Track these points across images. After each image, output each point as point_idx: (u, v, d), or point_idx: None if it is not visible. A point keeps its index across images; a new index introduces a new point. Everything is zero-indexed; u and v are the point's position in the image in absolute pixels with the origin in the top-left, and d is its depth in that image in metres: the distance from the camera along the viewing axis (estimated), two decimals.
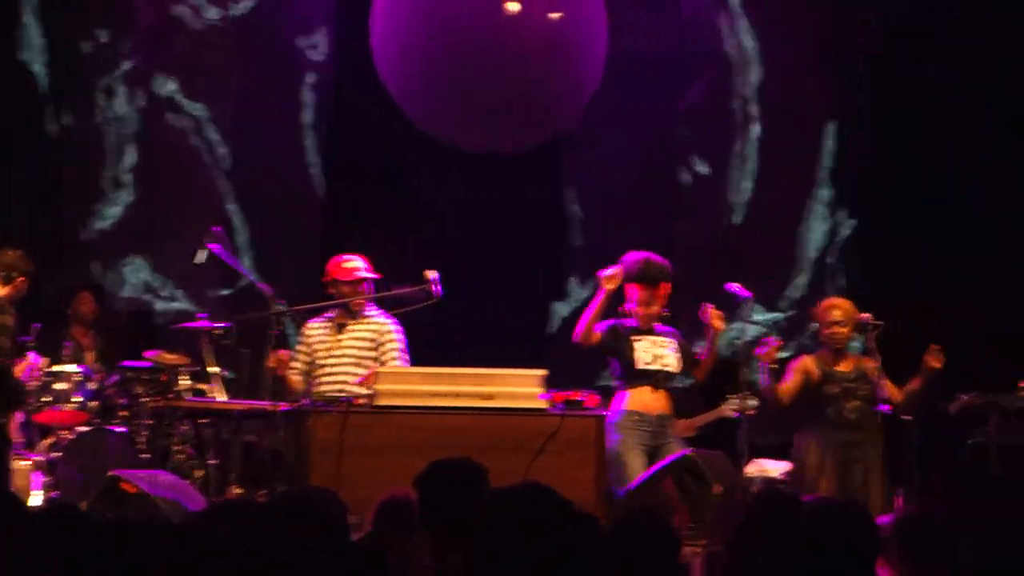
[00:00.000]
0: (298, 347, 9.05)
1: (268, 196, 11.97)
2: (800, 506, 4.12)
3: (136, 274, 11.83)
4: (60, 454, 9.47)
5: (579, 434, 7.86)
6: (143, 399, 9.49)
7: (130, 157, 11.93)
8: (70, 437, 9.52)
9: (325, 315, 9.03)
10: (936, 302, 11.07)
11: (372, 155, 12.16)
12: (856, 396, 8.96)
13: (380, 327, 8.90)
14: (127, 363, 9.75)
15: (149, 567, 3.43)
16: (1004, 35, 11.71)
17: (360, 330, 8.91)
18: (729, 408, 9.43)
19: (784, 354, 9.23)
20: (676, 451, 8.40)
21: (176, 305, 11.72)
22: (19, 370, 9.18)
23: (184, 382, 9.25)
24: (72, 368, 9.74)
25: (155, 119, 11.97)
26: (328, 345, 8.91)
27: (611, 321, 8.73)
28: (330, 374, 8.83)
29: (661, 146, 12.44)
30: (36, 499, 9.13)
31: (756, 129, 12.47)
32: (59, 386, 9.63)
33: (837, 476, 8.84)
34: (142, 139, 11.95)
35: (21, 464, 9.25)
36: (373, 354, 8.83)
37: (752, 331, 10.27)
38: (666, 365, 8.63)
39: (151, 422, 9.43)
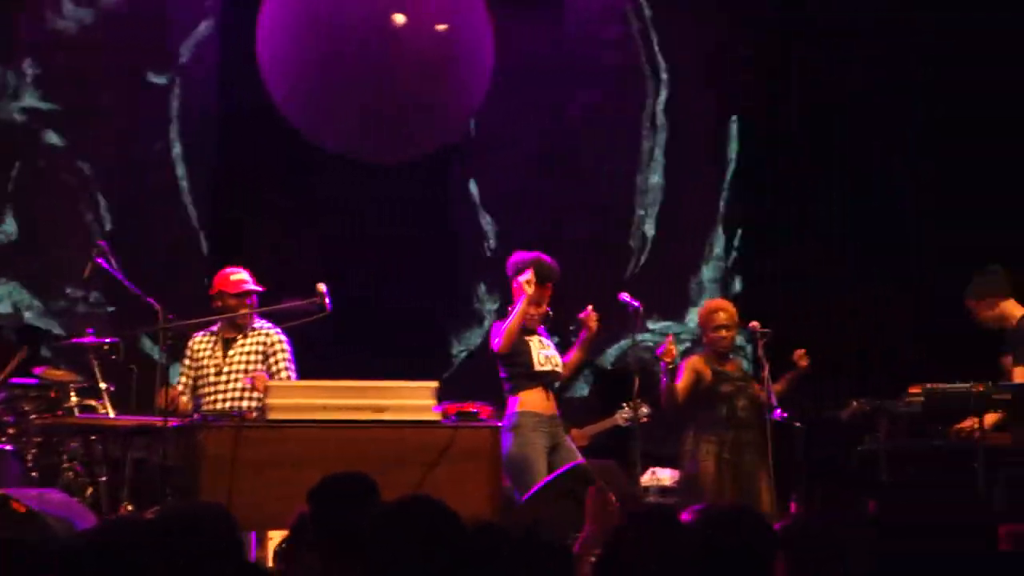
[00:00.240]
0: (183, 363, 8.96)
1: (146, 207, 11.83)
2: (675, 521, 4.12)
3: (9, 292, 11.65)
4: None
5: (473, 446, 7.85)
6: (31, 416, 9.33)
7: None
8: None
9: (209, 330, 8.95)
10: (862, 302, 11.18)
11: (259, 165, 12.07)
12: (746, 395, 9.11)
13: (268, 338, 8.84)
14: (14, 380, 9.60)
15: None
16: (931, 35, 11.82)
17: (248, 343, 8.85)
18: (622, 417, 9.46)
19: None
20: (571, 449, 8.47)
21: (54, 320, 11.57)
22: None
23: (73, 398, 9.12)
24: None
25: (30, 134, 11.78)
26: (216, 361, 8.83)
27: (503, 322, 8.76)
28: (221, 390, 8.75)
29: (551, 153, 12.48)
30: None
31: (652, 136, 12.54)
32: None
33: (731, 475, 8.94)
34: (17, 155, 11.77)
35: None
36: (262, 366, 8.77)
37: (644, 340, 10.33)
38: (556, 365, 8.70)
39: (40, 440, 9.27)
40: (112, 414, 8.91)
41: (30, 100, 11.79)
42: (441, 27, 12.02)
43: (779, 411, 9.01)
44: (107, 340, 9.14)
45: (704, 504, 6.95)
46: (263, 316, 8.91)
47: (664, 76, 12.58)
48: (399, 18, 11.91)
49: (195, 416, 8.18)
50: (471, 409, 8.08)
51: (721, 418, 9.10)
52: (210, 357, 8.86)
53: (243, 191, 12.04)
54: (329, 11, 11.90)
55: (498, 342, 8.64)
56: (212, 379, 8.81)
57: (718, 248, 12.49)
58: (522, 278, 8.65)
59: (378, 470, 5.44)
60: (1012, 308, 9.09)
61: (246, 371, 8.75)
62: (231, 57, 11.97)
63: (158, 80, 11.95)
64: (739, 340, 10.05)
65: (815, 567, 4.37)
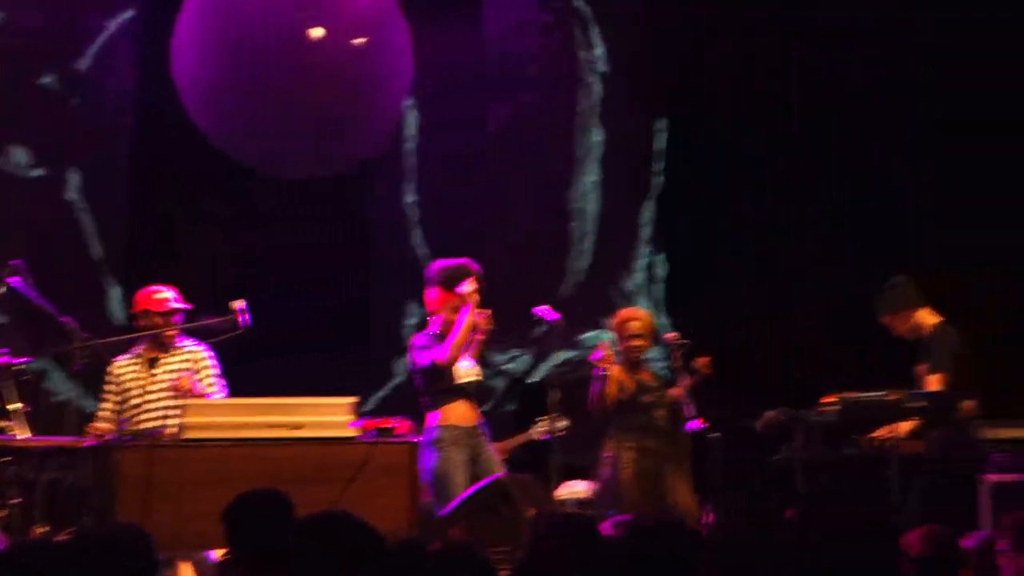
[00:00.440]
0: (105, 387, 8.86)
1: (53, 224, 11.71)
2: (596, 531, 4.14)
3: None
4: None
5: (391, 461, 7.83)
6: None
7: None
8: None
9: (132, 351, 8.86)
10: (862, 302, 11.21)
11: (177, 181, 11.98)
12: (663, 404, 9.15)
13: (194, 355, 8.78)
14: None
15: None
16: (931, 35, 11.89)
17: (174, 362, 8.77)
18: (538, 431, 9.47)
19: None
20: (492, 459, 8.47)
21: None
22: None
23: None
24: None
25: None
26: (141, 382, 8.75)
27: (422, 338, 8.75)
28: (148, 411, 8.66)
29: (473, 163, 12.48)
30: None
31: (577, 144, 12.57)
32: None
33: (651, 484, 8.97)
34: None
35: None
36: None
37: (564, 354, 10.34)
38: (477, 375, 8.71)
39: None
40: (25, 435, 8.79)
41: None
42: (359, 40, 11.99)
43: (696, 421, 9.05)
44: (21, 360, 9.02)
45: (626, 514, 6.99)
46: (180, 334, 8.83)
47: (589, 83, 12.60)
48: (316, 32, 11.87)
49: (109, 436, 8.09)
50: (388, 425, 8.05)
51: (640, 427, 9.14)
52: (134, 379, 8.77)
53: (159, 205, 11.95)
54: (246, 25, 11.84)
55: (444, 355, 8.58)
56: (137, 400, 8.72)
57: (644, 257, 12.53)
58: (463, 288, 8.62)
59: (296, 487, 5.45)
60: (925, 317, 9.18)
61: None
62: (146, 69, 11.87)
63: (68, 88, 11.81)
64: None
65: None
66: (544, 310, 9.00)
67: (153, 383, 8.74)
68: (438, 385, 8.68)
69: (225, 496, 5.30)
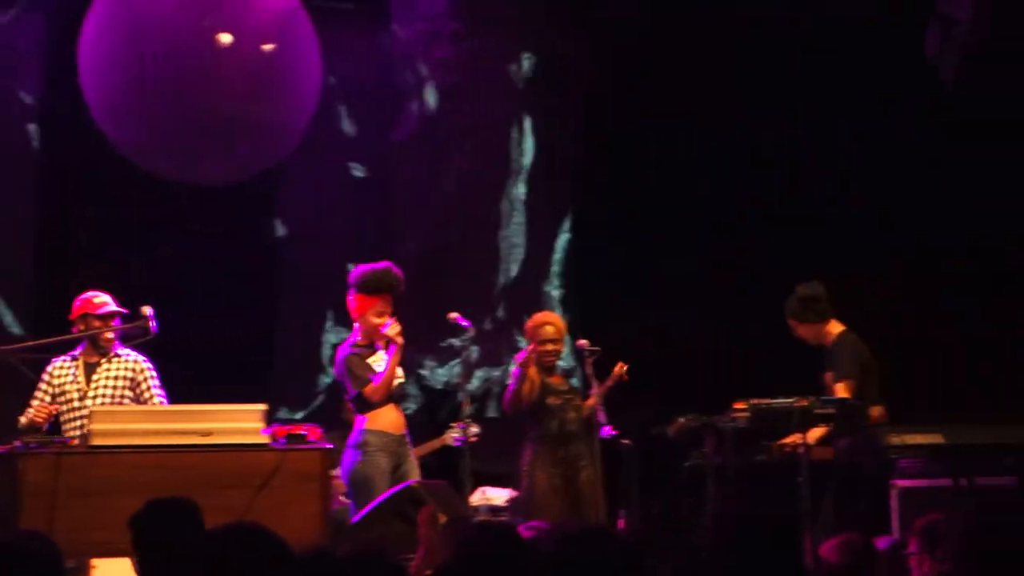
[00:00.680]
0: (40, 386, 8.72)
1: None
2: (518, 537, 4.13)
3: None
4: None
5: (303, 468, 7.78)
6: None
7: None
8: None
9: (70, 354, 8.76)
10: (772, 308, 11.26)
11: (85, 187, 11.87)
12: (573, 408, 9.16)
13: (135, 365, 8.71)
14: None
15: None
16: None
17: (114, 368, 8.69)
18: (451, 436, 9.46)
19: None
20: (414, 468, 8.48)
21: None
22: None
23: None
24: None
25: None
26: (79, 385, 8.65)
27: (346, 348, 8.73)
28: (86, 415, 8.54)
29: (378, 173, 12.45)
30: None
31: (467, 157, 12.57)
32: None
33: (567, 491, 8.98)
34: None
35: None
36: (131, 393, 8.64)
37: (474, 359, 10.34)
38: (401, 379, 8.71)
39: None
40: None
41: None
42: (267, 47, 11.93)
43: (608, 428, 9.07)
44: None
45: (542, 521, 7.00)
46: (86, 340, 8.73)
47: (481, 95, 12.60)
48: (225, 38, 11.79)
49: (16, 443, 7.97)
50: (300, 431, 8.00)
51: (553, 434, 9.16)
52: (72, 382, 8.68)
53: (67, 212, 11.84)
54: (153, 30, 11.73)
55: (374, 392, 8.60)
56: (76, 404, 8.62)
57: (554, 266, 12.55)
58: (386, 330, 8.59)
59: (206, 495, 5.41)
60: (831, 325, 9.26)
61: (112, 396, 8.60)
62: (52, 75, 11.74)
63: None
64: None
65: None
66: (457, 317, 9.00)
67: (92, 388, 8.65)
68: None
69: (133, 504, 5.25)
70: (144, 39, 11.74)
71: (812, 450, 8.68)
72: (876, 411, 9.06)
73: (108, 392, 8.62)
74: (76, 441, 7.88)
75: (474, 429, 9.26)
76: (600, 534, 4.12)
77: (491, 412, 11.96)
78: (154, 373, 8.75)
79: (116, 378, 8.66)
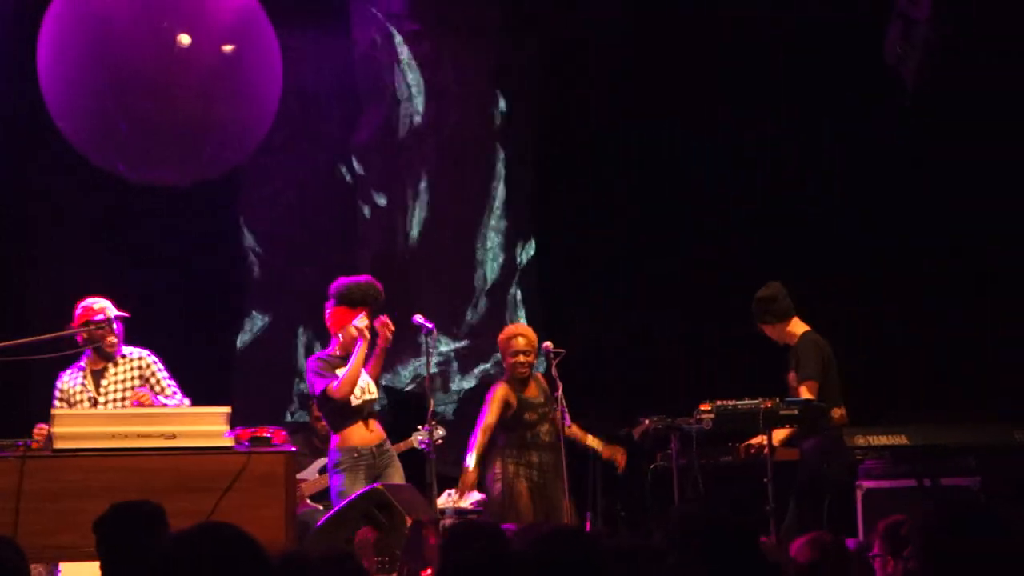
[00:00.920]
0: (54, 403, 8.66)
1: None
2: (500, 535, 4.13)
3: None
4: None
5: (267, 471, 7.74)
6: None
7: None
8: None
9: (76, 366, 8.71)
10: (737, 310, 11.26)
11: (45, 190, 11.81)
12: (547, 419, 9.16)
13: (142, 362, 8.68)
14: None
15: None
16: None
17: (121, 371, 8.65)
18: (417, 439, 9.45)
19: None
20: (395, 477, 8.47)
21: None
22: None
23: None
24: None
25: None
26: (90, 394, 8.61)
27: (317, 360, 8.73)
28: None
29: (336, 178, 12.43)
30: None
31: (437, 159, 12.56)
32: None
33: (540, 498, 8.98)
34: None
35: None
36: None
37: (435, 362, 10.32)
38: (371, 393, 8.70)
39: None
40: None
41: None
42: (227, 48, 11.88)
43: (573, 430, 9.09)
44: None
45: (521, 524, 6.99)
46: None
47: (441, 99, 12.60)
48: (184, 39, 11.73)
49: None
50: (264, 434, 7.97)
51: (526, 443, 9.16)
52: (82, 391, 8.63)
53: (23, 217, 11.78)
54: (111, 31, 11.67)
55: (335, 389, 8.58)
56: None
57: (494, 270, 12.54)
58: (356, 323, 8.59)
59: (171, 498, 5.38)
60: (794, 326, 9.29)
61: (124, 399, 8.55)
62: (9, 82, 11.68)
63: None
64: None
65: None
66: (420, 318, 9.00)
67: (102, 394, 8.62)
68: (332, 409, 8.72)
69: (98, 507, 5.23)
70: (102, 40, 11.68)
71: (777, 451, 8.72)
72: (837, 412, 9.09)
73: (119, 395, 8.60)
74: (38, 444, 7.84)
75: (439, 432, 9.27)
76: (573, 534, 4.13)
77: (454, 415, 11.97)
78: (161, 366, 8.73)
79: (125, 380, 8.63)
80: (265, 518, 7.36)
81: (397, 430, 9.25)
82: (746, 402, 8.60)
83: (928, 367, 9.83)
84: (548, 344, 9.32)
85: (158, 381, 8.65)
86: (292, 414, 11.95)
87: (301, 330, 12.17)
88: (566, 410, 9.14)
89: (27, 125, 11.63)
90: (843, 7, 11.56)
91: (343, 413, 8.71)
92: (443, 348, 12.18)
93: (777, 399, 8.66)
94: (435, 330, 9.04)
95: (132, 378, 8.64)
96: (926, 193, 11.47)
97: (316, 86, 12.31)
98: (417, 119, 12.60)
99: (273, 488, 7.71)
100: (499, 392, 9.29)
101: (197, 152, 11.86)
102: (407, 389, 11.79)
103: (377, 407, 8.96)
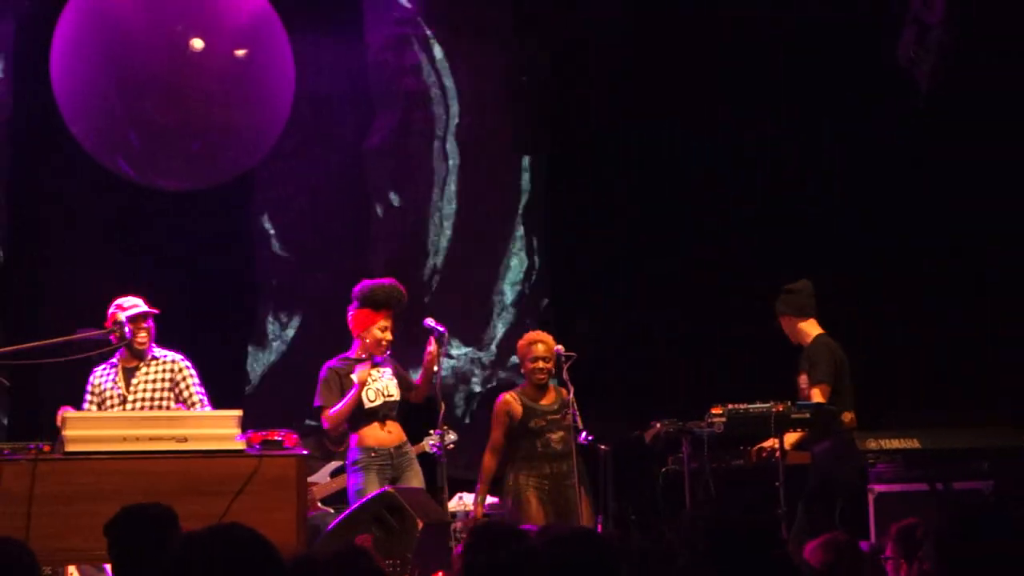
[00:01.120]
0: (87, 397, 8.72)
1: None
2: (522, 535, 4.12)
3: None
4: None
5: (279, 474, 7.74)
6: None
7: None
8: None
9: (109, 362, 8.73)
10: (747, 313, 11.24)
11: (55, 192, 11.82)
12: (560, 427, 9.08)
13: (175, 365, 8.70)
14: None
15: None
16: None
17: (152, 372, 8.67)
18: (429, 443, 9.43)
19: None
20: (412, 480, 8.47)
21: None
22: None
23: None
24: None
25: None
26: (120, 391, 8.62)
27: (329, 365, 8.73)
28: None
29: (350, 181, 12.43)
30: None
31: (451, 162, 12.55)
32: None
33: (553, 509, 8.93)
34: None
35: None
36: (171, 395, 8.62)
37: (448, 365, 10.30)
38: (389, 396, 8.69)
39: None
40: None
41: None
42: (240, 52, 11.90)
43: (584, 434, 9.05)
44: None
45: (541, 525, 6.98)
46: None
47: (457, 102, 12.60)
48: (197, 43, 11.75)
49: None
50: (275, 437, 7.96)
51: (536, 453, 9.06)
52: (113, 387, 8.65)
53: (36, 220, 11.80)
54: (125, 35, 11.69)
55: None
56: (118, 411, 8.57)
57: (517, 273, 12.53)
58: (357, 375, 8.62)
59: (182, 501, 5.38)
60: (809, 327, 9.28)
61: (152, 399, 8.58)
62: (21, 76, 11.70)
63: None
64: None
65: None
66: (431, 322, 8.98)
67: (132, 392, 8.63)
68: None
69: (109, 510, 5.22)
70: (116, 44, 11.70)
71: (788, 454, 8.71)
72: (848, 416, 9.08)
73: (147, 396, 8.62)
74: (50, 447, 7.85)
75: (451, 436, 9.25)
76: (587, 535, 4.12)
77: (467, 419, 11.97)
78: (193, 372, 8.74)
79: (155, 381, 8.65)
80: (276, 521, 7.34)
81: (409, 434, 9.23)
82: (757, 405, 8.58)
83: (928, 367, 9.82)
84: (559, 347, 9.27)
85: (188, 387, 8.66)
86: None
87: (312, 333, 12.18)
88: (578, 414, 9.10)
89: (40, 128, 11.66)
90: (843, 7, 11.58)
91: (357, 415, 8.74)
92: (457, 352, 12.18)
93: (789, 403, 8.65)
94: (447, 333, 9.01)
95: (162, 379, 8.66)
96: (926, 193, 11.47)
97: (329, 90, 12.32)
98: (430, 122, 12.59)
99: (285, 491, 7.71)
100: (499, 408, 9.23)
101: (209, 156, 11.88)
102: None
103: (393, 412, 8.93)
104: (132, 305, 8.69)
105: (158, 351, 8.77)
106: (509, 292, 12.56)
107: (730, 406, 8.60)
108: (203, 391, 8.73)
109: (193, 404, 8.61)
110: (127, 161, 11.82)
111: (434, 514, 8.10)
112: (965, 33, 10.37)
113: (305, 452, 8.12)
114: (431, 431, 9.35)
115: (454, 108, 12.59)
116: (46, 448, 7.73)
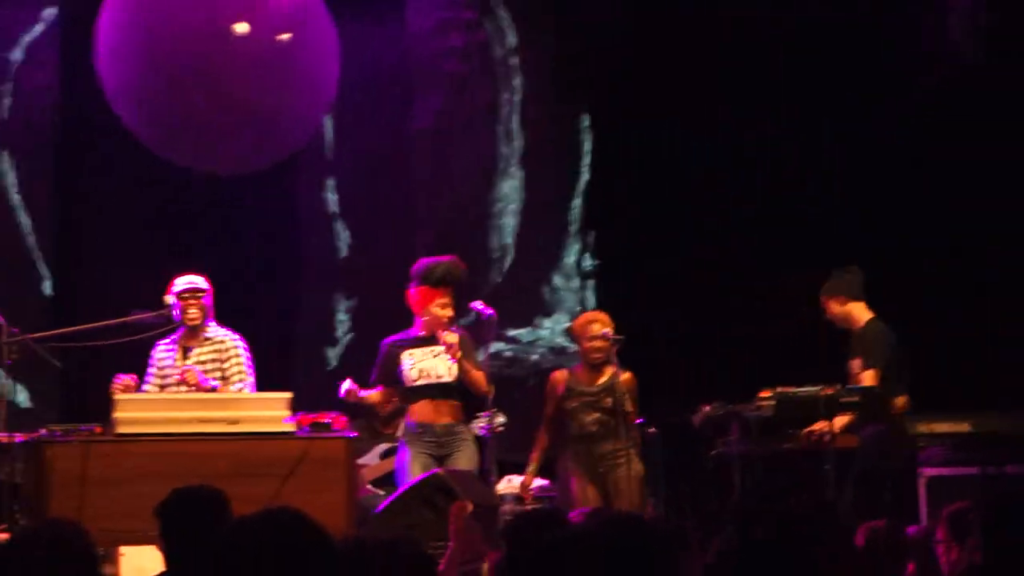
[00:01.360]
0: (149, 371, 8.81)
1: None
2: (563, 520, 4.13)
3: None
4: None
5: (328, 456, 7.79)
6: None
7: None
8: None
9: (172, 339, 8.80)
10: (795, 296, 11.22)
11: (104, 178, 11.88)
12: (597, 408, 8.99)
13: (221, 345, 8.75)
14: None
15: None
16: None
17: (205, 352, 8.74)
18: (478, 426, 9.44)
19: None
20: (464, 461, 8.48)
21: None
22: None
23: None
24: None
25: None
26: (178, 369, 8.69)
27: (386, 341, 8.76)
28: None
29: (393, 165, 12.43)
30: None
31: (502, 142, 12.54)
32: None
33: (594, 491, 8.90)
34: None
35: None
36: (219, 374, 8.66)
37: (497, 348, 10.29)
38: (436, 377, 8.68)
39: None
40: None
41: None
42: (284, 36, 11.91)
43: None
44: None
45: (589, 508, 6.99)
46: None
47: (516, 81, 12.58)
48: (241, 27, 11.77)
49: (42, 431, 7.99)
50: (324, 419, 8.01)
51: (574, 435, 9.02)
52: (171, 366, 8.74)
53: (86, 203, 11.86)
54: (169, 20, 11.71)
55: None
56: (174, 388, 8.67)
57: (571, 255, 12.52)
58: (446, 337, 8.64)
59: (232, 483, 5.40)
60: (860, 311, 9.24)
61: None
62: (68, 64, 11.76)
63: None
64: None
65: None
66: (480, 305, 8.98)
67: None
68: (398, 388, 8.84)
69: (160, 492, 5.24)
70: (160, 28, 11.73)
71: (838, 438, 8.68)
72: (901, 400, 9.04)
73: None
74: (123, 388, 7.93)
75: (500, 419, 9.21)
76: (634, 520, 4.11)
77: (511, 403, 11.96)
78: (241, 351, 8.75)
79: (206, 362, 8.71)
80: (326, 503, 7.38)
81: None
82: (807, 389, 8.57)
83: (927, 368, 9.75)
84: (608, 331, 9.22)
85: (231, 365, 8.69)
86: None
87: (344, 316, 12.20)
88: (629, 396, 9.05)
89: (87, 114, 11.72)
90: (843, 7, 11.52)
91: (403, 392, 8.83)
92: (514, 332, 12.18)
93: (838, 386, 8.62)
94: (495, 315, 9.00)
95: (212, 359, 8.71)
96: (926, 193, 11.41)
97: (373, 73, 12.32)
98: (476, 102, 12.58)
99: (334, 473, 7.76)
100: (548, 384, 9.22)
101: (253, 141, 11.90)
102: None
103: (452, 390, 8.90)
104: (185, 282, 8.73)
105: (214, 330, 8.80)
106: (564, 274, 12.53)
107: (779, 389, 8.59)
108: (250, 370, 8.75)
109: (228, 380, 8.63)
110: (170, 145, 11.85)
111: (483, 496, 8.11)
112: (1009, 11, 10.31)
113: (354, 434, 8.16)
114: (479, 414, 9.37)
115: (495, 91, 12.55)
116: (97, 430, 7.79)
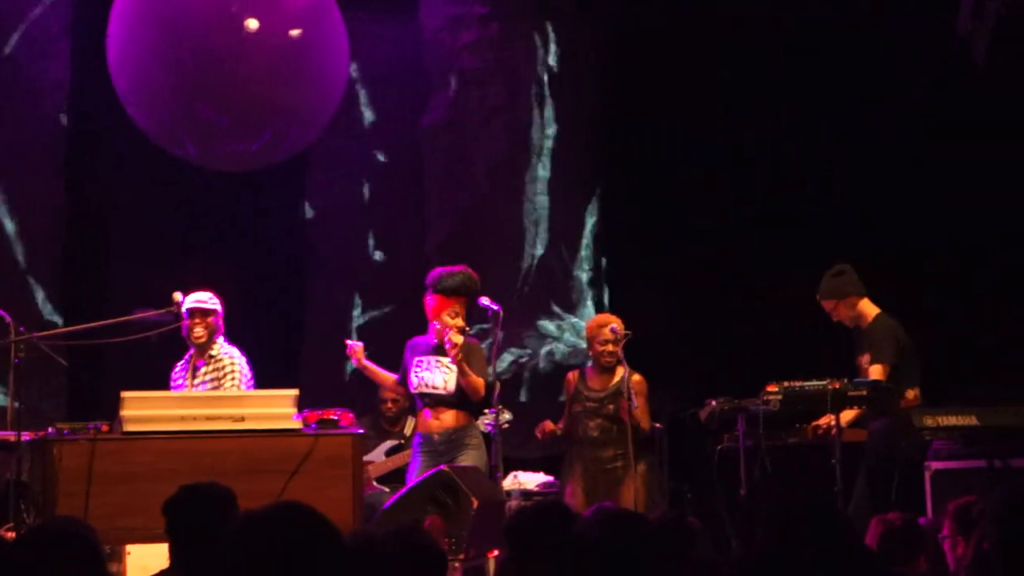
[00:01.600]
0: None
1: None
2: (569, 515, 4.12)
3: None
4: None
5: (335, 453, 7.79)
6: None
7: None
8: None
9: (185, 357, 8.84)
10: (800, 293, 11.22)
11: (113, 175, 11.89)
12: (600, 415, 9.05)
13: (220, 363, 8.74)
14: None
15: None
16: None
17: (208, 371, 8.75)
18: (484, 423, 9.45)
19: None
20: (468, 460, 8.52)
21: None
22: None
23: None
24: None
25: None
26: (186, 387, 8.72)
27: (410, 341, 8.91)
28: None
29: (403, 161, 12.43)
30: None
31: (499, 141, 12.52)
32: None
33: (597, 492, 8.92)
34: None
35: None
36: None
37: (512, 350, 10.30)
38: (434, 387, 8.71)
39: None
40: None
41: None
42: (295, 32, 11.92)
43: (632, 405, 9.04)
44: None
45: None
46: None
47: (544, 80, 12.58)
48: (252, 23, 11.78)
49: (49, 430, 7.99)
50: (331, 416, 8.01)
51: (579, 439, 9.11)
52: (182, 384, 8.78)
53: (96, 201, 11.87)
54: (180, 16, 11.72)
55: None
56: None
57: (586, 252, 12.51)
58: (451, 336, 8.67)
59: (238, 480, 5.41)
60: (867, 307, 9.23)
61: None
62: (79, 60, 11.76)
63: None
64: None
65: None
66: (486, 301, 8.99)
67: (192, 389, 8.70)
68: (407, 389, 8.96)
69: (166, 490, 5.25)
70: (172, 24, 11.74)
71: (845, 432, 8.68)
72: (912, 393, 9.03)
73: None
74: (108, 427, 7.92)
75: (506, 416, 9.22)
76: (634, 520, 4.11)
77: (522, 397, 11.96)
78: (238, 370, 8.71)
79: (207, 381, 8.71)
80: (332, 500, 7.39)
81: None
82: (814, 383, 8.55)
83: (927, 368, 9.75)
84: (615, 326, 9.23)
85: (223, 386, 8.65)
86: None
87: (358, 311, 12.20)
88: (632, 393, 9.06)
89: (98, 111, 11.72)
90: (843, 7, 11.51)
91: (409, 395, 9.01)
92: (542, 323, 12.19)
93: (845, 380, 8.61)
94: (502, 312, 9.01)
95: (211, 379, 8.70)
96: (926, 193, 11.41)
97: (383, 69, 12.32)
98: (488, 100, 12.56)
99: (340, 470, 7.76)
100: (566, 382, 9.34)
101: (264, 136, 11.91)
102: None
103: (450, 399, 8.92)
104: (191, 302, 8.71)
105: (219, 348, 8.78)
106: (581, 272, 12.52)
107: (786, 383, 8.58)
108: (249, 389, 8.73)
109: None
110: (181, 142, 11.86)
111: (489, 493, 8.11)
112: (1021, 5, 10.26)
113: (361, 431, 8.17)
114: (485, 411, 9.37)
115: (507, 86, 12.54)
116: (104, 428, 7.80)
